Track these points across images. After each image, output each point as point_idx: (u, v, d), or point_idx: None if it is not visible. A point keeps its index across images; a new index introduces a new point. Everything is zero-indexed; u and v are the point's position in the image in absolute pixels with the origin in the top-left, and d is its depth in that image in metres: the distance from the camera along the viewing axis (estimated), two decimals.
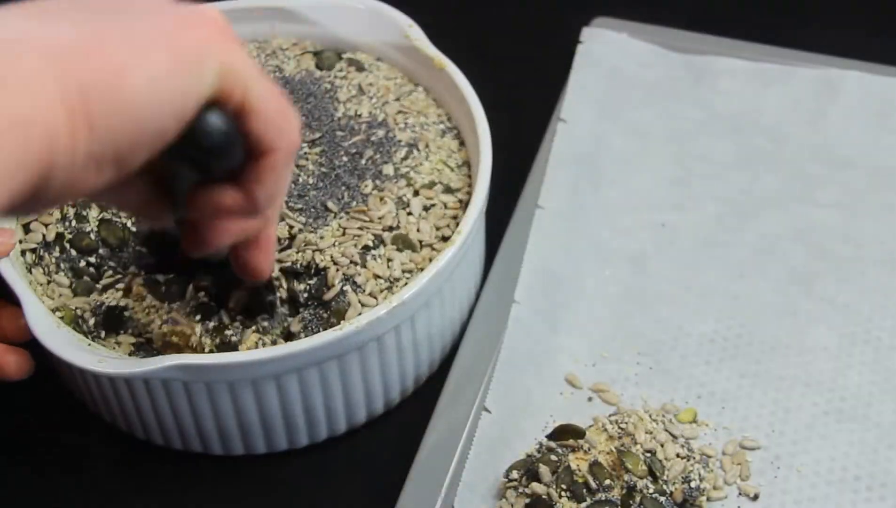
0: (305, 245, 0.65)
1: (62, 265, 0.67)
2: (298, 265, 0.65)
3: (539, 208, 0.76)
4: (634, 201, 0.79)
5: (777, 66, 0.85)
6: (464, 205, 0.70)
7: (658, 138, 0.83)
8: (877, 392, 0.69)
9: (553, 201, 0.77)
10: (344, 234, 0.66)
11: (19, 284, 0.63)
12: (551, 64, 0.88)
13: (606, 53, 0.86)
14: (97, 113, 0.42)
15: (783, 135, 0.83)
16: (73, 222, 0.68)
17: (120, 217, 0.68)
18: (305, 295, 0.64)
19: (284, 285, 0.64)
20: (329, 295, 0.64)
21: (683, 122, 0.84)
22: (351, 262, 0.65)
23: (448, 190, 0.70)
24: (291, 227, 0.66)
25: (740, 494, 0.64)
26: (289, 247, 0.65)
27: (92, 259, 0.67)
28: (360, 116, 0.72)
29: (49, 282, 0.67)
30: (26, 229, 0.68)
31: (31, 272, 0.66)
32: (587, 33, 0.87)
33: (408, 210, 0.68)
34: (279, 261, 0.65)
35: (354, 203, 0.68)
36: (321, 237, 0.66)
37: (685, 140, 0.83)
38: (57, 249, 0.67)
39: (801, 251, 0.76)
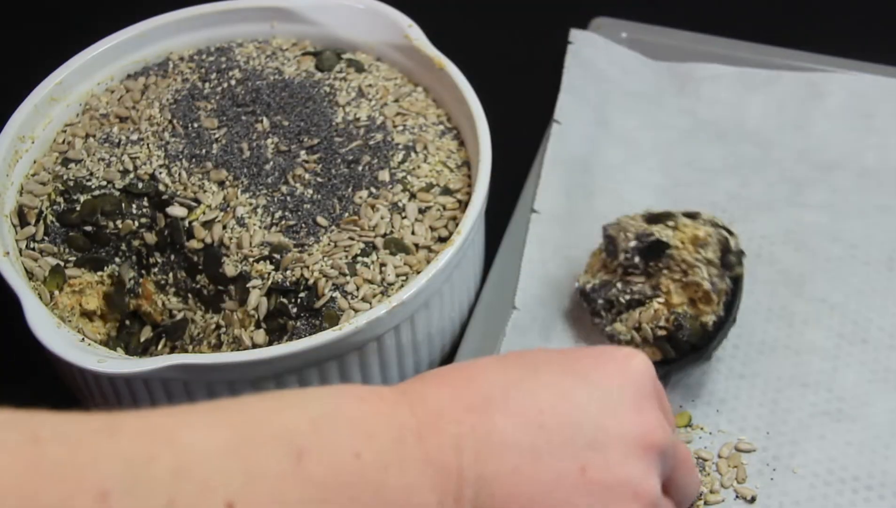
0: (294, 263, 0.65)
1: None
2: (287, 283, 0.65)
3: (534, 211, 0.76)
4: (624, 211, 0.78)
5: (760, 70, 0.85)
6: (463, 205, 0.70)
7: (644, 148, 0.82)
8: (873, 391, 0.68)
9: (548, 205, 0.77)
10: (335, 247, 0.66)
11: (19, 284, 0.63)
12: (551, 64, 0.88)
13: (595, 58, 0.86)
14: None
15: (769, 139, 0.83)
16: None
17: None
18: (295, 309, 0.64)
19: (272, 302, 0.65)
20: (319, 303, 0.64)
21: (669, 130, 0.83)
22: (340, 273, 0.65)
23: (447, 191, 0.70)
24: (281, 248, 0.66)
25: (737, 497, 0.64)
26: (276, 269, 0.65)
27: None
28: (358, 119, 0.72)
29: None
30: (22, 221, 0.69)
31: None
32: (575, 35, 0.87)
33: (402, 214, 0.68)
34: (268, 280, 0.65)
35: (346, 214, 0.68)
36: (310, 255, 0.66)
37: (671, 148, 0.82)
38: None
39: (792, 253, 0.76)
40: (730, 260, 0.67)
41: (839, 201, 0.78)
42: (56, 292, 0.68)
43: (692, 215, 0.69)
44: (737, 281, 0.68)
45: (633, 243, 0.67)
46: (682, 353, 0.67)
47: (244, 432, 0.41)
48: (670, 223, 0.68)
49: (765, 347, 0.71)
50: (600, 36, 0.87)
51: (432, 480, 0.43)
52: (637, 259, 0.68)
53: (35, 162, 0.72)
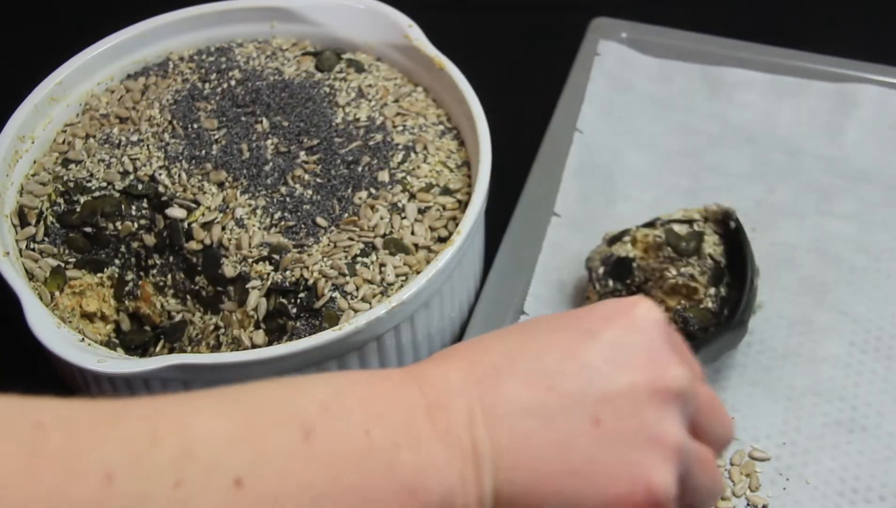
0: (294, 263, 0.65)
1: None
2: (287, 283, 0.65)
3: (556, 215, 0.76)
4: (647, 215, 0.78)
5: (793, 78, 0.85)
6: (463, 205, 0.70)
7: (673, 151, 0.82)
8: (889, 403, 0.68)
9: (567, 211, 0.77)
10: (335, 247, 0.66)
11: (19, 284, 0.63)
12: (551, 64, 0.88)
13: (622, 68, 0.86)
14: None
15: (799, 147, 0.82)
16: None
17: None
18: (295, 309, 0.64)
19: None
20: (319, 303, 0.64)
21: (698, 135, 0.83)
22: (340, 273, 0.65)
23: (446, 191, 0.70)
24: (280, 248, 0.66)
25: (748, 505, 0.64)
26: (276, 270, 0.65)
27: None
28: (358, 120, 0.72)
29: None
30: (23, 221, 0.69)
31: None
32: (603, 47, 0.87)
33: (402, 215, 0.68)
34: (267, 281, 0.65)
35: (346, 215, 0.68)
36: (309, 255, 0.66)
37: (700, 152, 0.82)
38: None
39: (815, 262, 0.75)
40: (683, 248, 0.68)
41: (866, 212, 0.78)
42: (57, 294, 0.68)
43: (649, 224, 0.70)
44: (737, 247, 0.68)
45: (601, 270, 0.70)
46: (700, 339, 0.67)
47: (251, 415, 0.41)
48: (626, 239, 0.70)
49: (783, 357, 0.71)
50: (629, 48, 0.87)
51: (447, 457, 0.43)
52: (611, 282, 0.69)
53: (35, 162, 0.72)
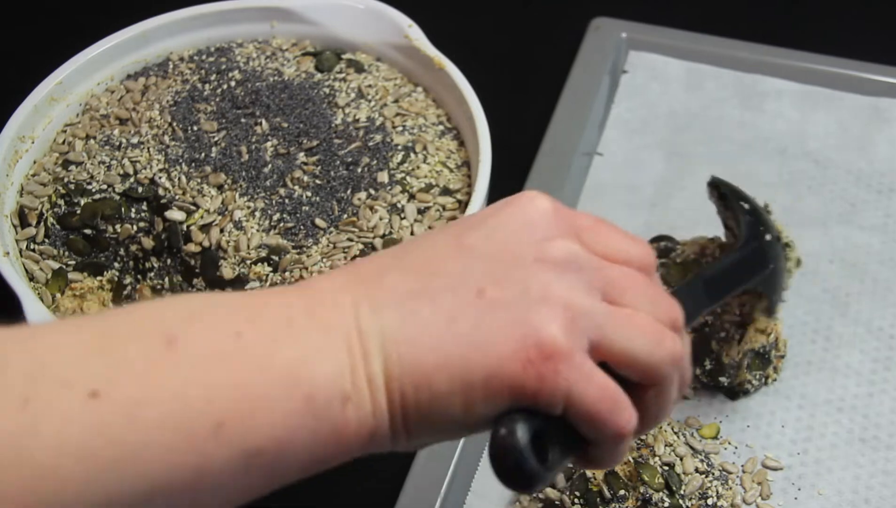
0: (293, 264, 0.65)
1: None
2: (286, 285, 0.65)
3: None
4: (671, 220, 0.78)
5: (826, 90, 0.85)
6: (463, 205, 0.70)
7: (701, 160, 0.82)
8: None
9: None
10: (334, 248, 0.66)
11: (19, 284, 0.64)
12: (551, 64, 0.88)
13: (651, 81, 0.86)
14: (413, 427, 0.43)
15: (828, 158, 0.82)
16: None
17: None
18: None
19: None
20: None
21: (728, 143, 0.83)
22: None
23: (446, 191, 0.70)
24: (279, 250, 0.66)
25: None
26: (275, 271, 0.65)
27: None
28: (358, 120, 0.72)
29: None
30: (23, 222, 0.69)
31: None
32: (633, 60, 0.87)
33: (402, 215, 0.68)
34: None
35: (345, 216, 0.68)
36: (308, 257, 0.66)
37: (729, 161, 0.82)
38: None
39: (839, 272, 0.75)
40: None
41: (892, 224, 0.78)
42: (58, 296, 0.68)
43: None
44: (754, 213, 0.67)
45: None
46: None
47: (107, 329, 0.40)
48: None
49: (799, 366, 0.71)
50: (660, 55, 0.87)
51: (330, 342, 0.42)
52: None
53: (35, 162, 0.72)
